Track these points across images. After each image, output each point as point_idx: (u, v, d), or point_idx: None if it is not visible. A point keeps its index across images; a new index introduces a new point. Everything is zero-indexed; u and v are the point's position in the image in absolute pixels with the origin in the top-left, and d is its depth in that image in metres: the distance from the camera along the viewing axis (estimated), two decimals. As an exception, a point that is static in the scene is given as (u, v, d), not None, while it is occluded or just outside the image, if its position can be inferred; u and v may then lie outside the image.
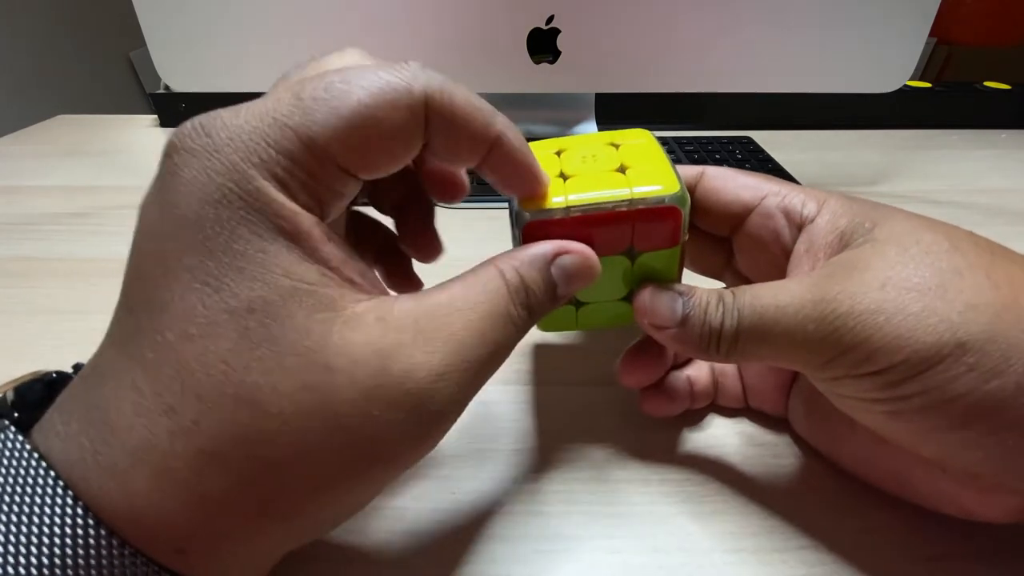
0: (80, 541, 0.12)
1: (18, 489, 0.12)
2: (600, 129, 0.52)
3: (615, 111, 0.52)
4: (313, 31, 0.40)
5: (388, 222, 0.21)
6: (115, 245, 0.37)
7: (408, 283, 0.21)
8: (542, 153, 0.19)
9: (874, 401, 0.16)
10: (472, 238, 0.27)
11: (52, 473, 0.12)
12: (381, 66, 0.14)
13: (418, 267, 0.21)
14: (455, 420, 0.15)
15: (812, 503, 0.20)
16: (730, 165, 0.45)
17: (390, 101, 0.13)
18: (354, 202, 0.17)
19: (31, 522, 0.12)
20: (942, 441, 0.16)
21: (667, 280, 0.19)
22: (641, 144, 0.20)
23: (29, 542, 0.11)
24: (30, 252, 0.36)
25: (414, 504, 0.20)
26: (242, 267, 0.12)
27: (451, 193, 0.19)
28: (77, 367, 0.15)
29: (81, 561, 0.11)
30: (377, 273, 0.20)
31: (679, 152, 0.48)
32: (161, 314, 0.12)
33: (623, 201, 0.17)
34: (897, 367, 0.15)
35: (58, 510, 0.12)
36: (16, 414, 0.14)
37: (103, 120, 0.61)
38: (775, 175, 0.43)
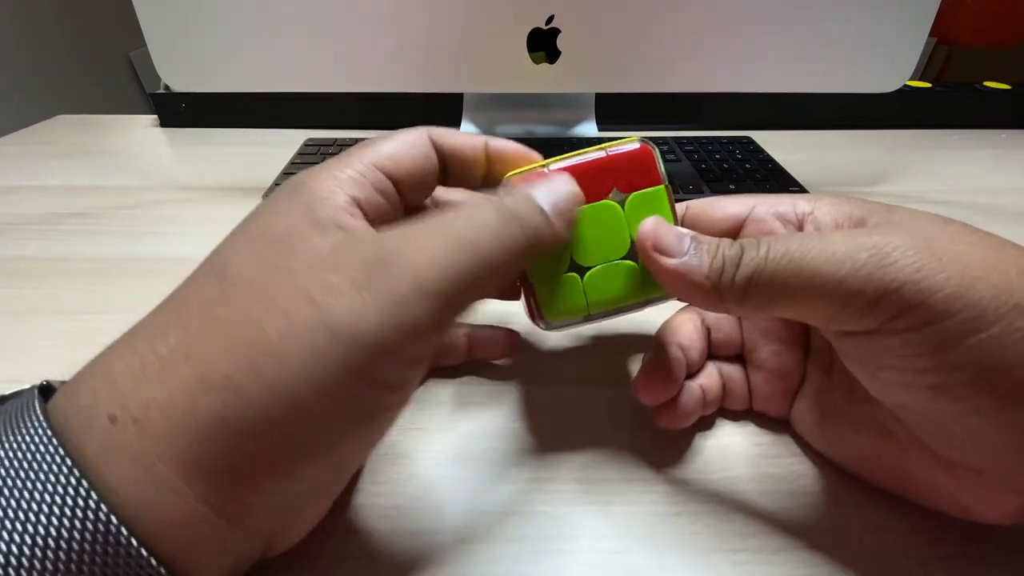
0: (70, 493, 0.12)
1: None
2: (600, 129, 0.52)
3: (615, 111, 0.52)
4: (313, 31, 0.40)
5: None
6: (115, 245, 0.37)
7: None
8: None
9: (920, 372, 0.15)
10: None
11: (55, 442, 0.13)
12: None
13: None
14: (434, 331, 0.15)
15: (813, 503, 0.20)
16: (730, 165, 0.45)
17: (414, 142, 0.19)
18: None
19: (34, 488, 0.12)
20: (977, 426, 0.15)
21: None
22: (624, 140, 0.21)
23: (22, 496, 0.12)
24: (30, 252, 0.36)
25: (414, 504, 0.20)
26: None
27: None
28: (44, 388, 0.15)
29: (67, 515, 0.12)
30: None
31: (679, 152, 0.48)
32: None
33: (599, 154, 0.20)
34: (953, 319, 0.14)
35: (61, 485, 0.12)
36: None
37: (103, 120, 0.61)
38: (775, 175, 0.44)
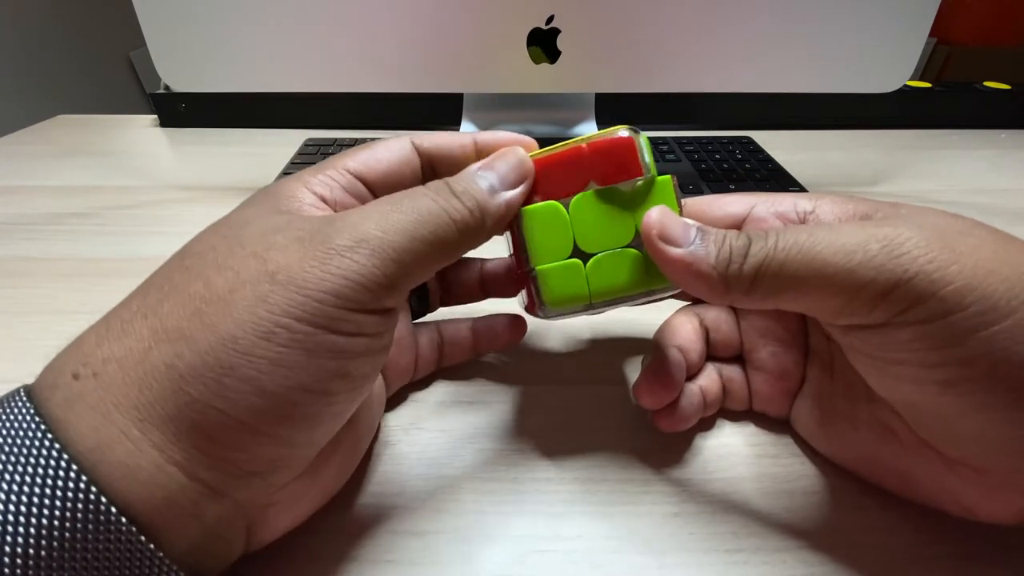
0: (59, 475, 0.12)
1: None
2: (600, 129, 0.52)
3: (615, 111, 0.52)
4: (312, 31, 0.40)
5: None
6: (115, 245, 0.37)
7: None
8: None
9: (930, 366, 0.15)
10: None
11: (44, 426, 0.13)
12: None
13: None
14: (381, 282, 0.15)
15: (812, 503, 0.20)
16: (730, 165, 0.45)
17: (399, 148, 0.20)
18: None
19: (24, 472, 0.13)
20: (985, 423, 0.15)
21: None
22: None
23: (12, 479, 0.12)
24: (30, 252, 0.36)
25: (413, 504, 0.20)
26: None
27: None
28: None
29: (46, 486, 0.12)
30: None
31: (679, 152, 0.48)
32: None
33: (579, 145, 0.19)
34: (966, 312, 0.14)
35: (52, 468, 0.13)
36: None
37: (103, 120, 0.61)
38: (775, 175, 0.44)
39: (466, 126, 0.52)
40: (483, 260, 0.25)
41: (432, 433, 0.23)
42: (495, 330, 0.25)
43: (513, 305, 0.25)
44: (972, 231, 0.16)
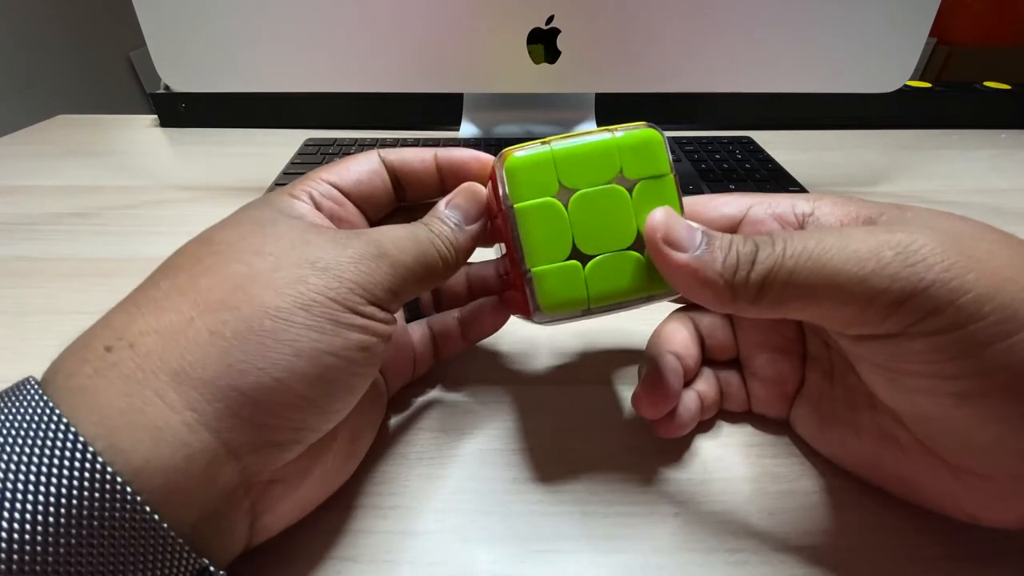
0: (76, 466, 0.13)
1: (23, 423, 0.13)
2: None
3: (615, 111, 0.52)
4: (312, 31, 0.40)
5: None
6: (115, 245, 0.37)
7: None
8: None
9: (946, 378, 0.15)
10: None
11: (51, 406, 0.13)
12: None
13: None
14: (389, 287, 0.17)
15: (812, 503, 0.20)
16: (730, 165, 0.45)
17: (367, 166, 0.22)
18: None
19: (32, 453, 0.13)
20: (999, 434, 0.15)
21: None
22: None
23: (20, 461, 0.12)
24: (30, 252, 0.36)
25: (413, 504, 0.20)
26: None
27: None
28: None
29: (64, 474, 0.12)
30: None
31: (679, 152, 0.48)
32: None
33: (605, 135, 0.19)
34: (984, 321, 0.13)
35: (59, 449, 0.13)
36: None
37: (103, 120, 0.61)
38: (775, 175, 0.44)
39: (466, 126, 0.52)
40: (469, 264, 0.25)
41: (432, 433, 0.23)
42: (480, 316, 0.25)
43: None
44: (985, 235, 0.15)
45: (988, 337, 0.14)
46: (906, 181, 0.47)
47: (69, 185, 0.46)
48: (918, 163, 0.51)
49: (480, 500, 0.21)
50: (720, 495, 0.21)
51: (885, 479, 0.20)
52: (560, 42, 0.42)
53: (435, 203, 0.21)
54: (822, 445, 0.22)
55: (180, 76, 0.42)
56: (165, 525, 0.13)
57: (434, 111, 0.57)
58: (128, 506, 0.13)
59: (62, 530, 0.12)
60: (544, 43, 0.42)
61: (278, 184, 0.43)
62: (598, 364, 0.27)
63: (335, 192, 0.21)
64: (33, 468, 0.12)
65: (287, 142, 0.51)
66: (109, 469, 0.12)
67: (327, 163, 0.22)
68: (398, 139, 0.51)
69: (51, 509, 0.12)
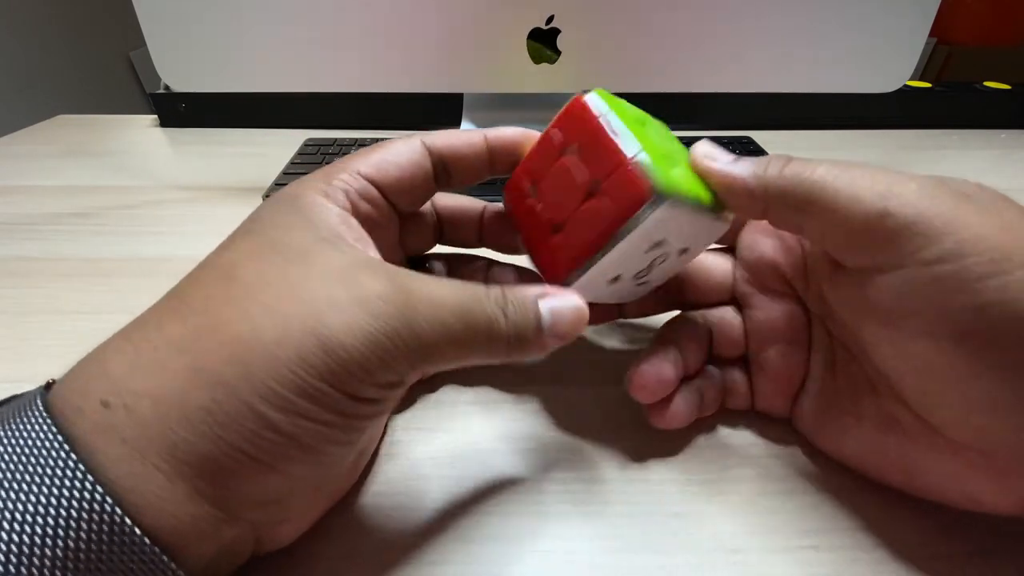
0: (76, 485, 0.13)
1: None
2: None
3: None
4: (313, 31, 0.40)
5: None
6: (115, 245, 0.37)
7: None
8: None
9: (946, 315, 0.16)
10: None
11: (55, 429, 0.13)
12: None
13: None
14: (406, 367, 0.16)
15: (813, 503, 0.20)
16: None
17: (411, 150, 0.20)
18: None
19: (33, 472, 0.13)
20: (996, 384, 0.15)
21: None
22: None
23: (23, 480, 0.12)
24: (30, 252, 0.36)
25: (413, 503, 0.20)
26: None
27: (473, 226, 0.24)
28: (48, 385, 0.15)
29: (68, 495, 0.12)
30: None
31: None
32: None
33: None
34: (980, 256, 0.15)
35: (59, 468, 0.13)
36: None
37: (103, 120, 0.61)
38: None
39: (466, 126, 0.52)
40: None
41: (434, 433, 0.23)
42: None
43: (520, 258, 0.24)
44: (995, 202, 0.17)
45: (985, 271, 0.15)
46: (906, 181, 0.47)
47: (69, 185, 0.46)
48: (918, 163, 0.51)
49: (480, 500, 0.20)
50: (721, 495, 0.21)
51: (887, 469, 0.20)
52: (560, 42, 0.42)
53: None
54: (824, 440, 0.22)
55: (180, 76, 0.42)
56: (181, 573, 0.13)
57: (434, 111, 0.57)
58: (148, 557, 0.13)
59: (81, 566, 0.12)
60: (544, 43, 0.42)
61: (278, 184, 0.43)
62: (600, 364, 0.27)
63: (372, 191, 0.19)
64: (51, 515, 0.12)
65: (287, 142, 0.51)
66: (128, 521, 0.13)
67: (363, 149, 0.20)
68: (398, 139, 0.51)
69: (72, 556, 0.12)
